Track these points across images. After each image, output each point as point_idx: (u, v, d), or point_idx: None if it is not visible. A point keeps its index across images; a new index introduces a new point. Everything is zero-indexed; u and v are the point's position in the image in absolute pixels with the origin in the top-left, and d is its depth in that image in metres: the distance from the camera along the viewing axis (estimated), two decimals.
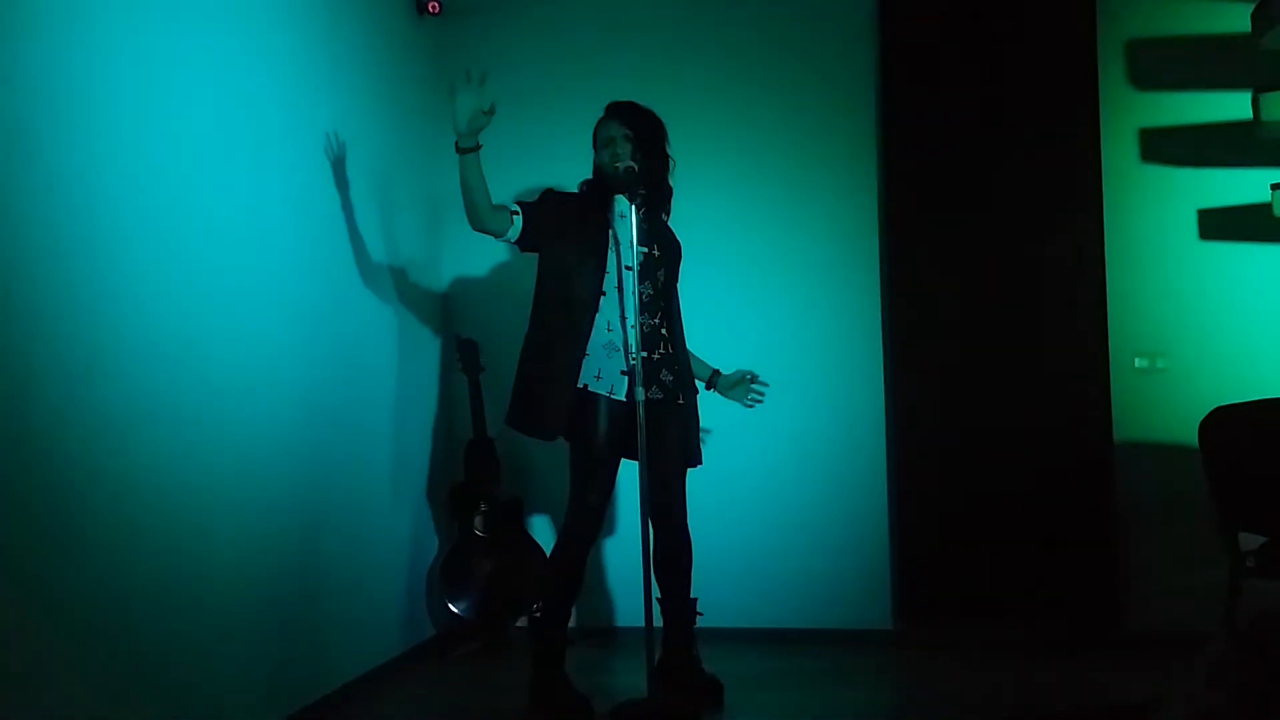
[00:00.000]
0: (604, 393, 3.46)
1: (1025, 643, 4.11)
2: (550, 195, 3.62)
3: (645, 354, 3.41)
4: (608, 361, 3.48)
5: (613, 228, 3.55)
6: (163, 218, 2.82)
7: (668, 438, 3.53)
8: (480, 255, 4.63)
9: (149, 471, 2.74)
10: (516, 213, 3.51)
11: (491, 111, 3.37)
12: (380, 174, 4.08)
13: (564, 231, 3.52)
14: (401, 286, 4.23)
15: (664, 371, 3.55)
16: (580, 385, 3.47)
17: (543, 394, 3.48)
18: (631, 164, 3.45)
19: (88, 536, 2.53)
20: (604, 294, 3.51)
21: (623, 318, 3.49)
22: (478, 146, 3.39)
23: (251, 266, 3.22)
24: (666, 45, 4.52)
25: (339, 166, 3.78)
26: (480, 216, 3.44)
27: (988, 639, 4.15)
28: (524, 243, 3.55)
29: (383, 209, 4.08)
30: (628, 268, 3.47)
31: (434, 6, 4.42)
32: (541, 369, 3.49)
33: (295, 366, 3.45)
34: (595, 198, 3.58)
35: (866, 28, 4.40)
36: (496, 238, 3.54)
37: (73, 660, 2.46)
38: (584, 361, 3.47)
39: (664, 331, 3.59)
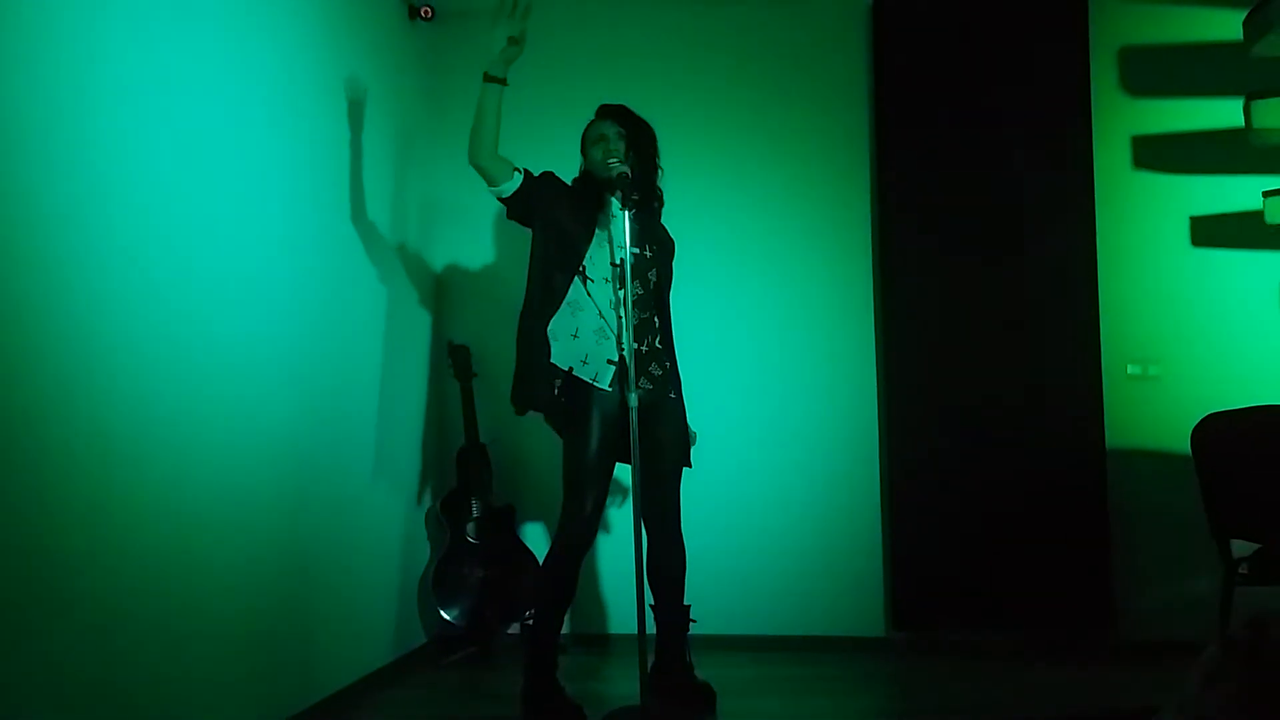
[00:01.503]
0: (588, 379, 3.45)
1: (1019, 650, 4.11)
2: (552, 176, 3.60)
3: (634, 345, 3.39)
4: (596, 348, 3.47)
5: (604, 228, 3.54)
6: (152, 225, 2.81)
7: (662, 438, 3.51)
8: (473, 260, 4.63)
9: (137, 476, 2.72)
10: (520, 171, 3.49)
11: (521, 39, 3.38)
12: (372, 180, 4.07)
13: (556, 215, 3.50)
14: (394, 292, 4.22)
15: (653, 365, 3.55)
16: (566, 368, 3.46)
17: (521, 372, 3.49)
18: (625, 169, 3.44)
19: (78, 543, 2.51)
20: (592, 280, 3.50)
21: (614, 307, 3.48)
22: (504, 81, 3.38)
23: (241, 271, 3.21)
24: (659, 49, 4.52)
25: (330, 173, 3.77)
26: (483, 152, 3.41)
27: (982, 646, 4.15)
28: (515, 205, 3.51)
29: (374, 215, 4.07)
30: (615, 265, 3.47)
31: (426, 12, 4.42)
32: (523, 350, 3.50)
33: (286, 372, 3.44)
34: (587, 194, 3.57)
35: (860, 34, 4.41)
36: (490, 184, 3.47)
37: (62, 667, 2.45)
38: (573, 344, 3.47)
39: (656, 325, 3.59)
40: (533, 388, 3.46)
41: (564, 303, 3.48)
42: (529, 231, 3.58)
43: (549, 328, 3.48)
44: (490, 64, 3.37)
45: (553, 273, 3.49)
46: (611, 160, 3.44)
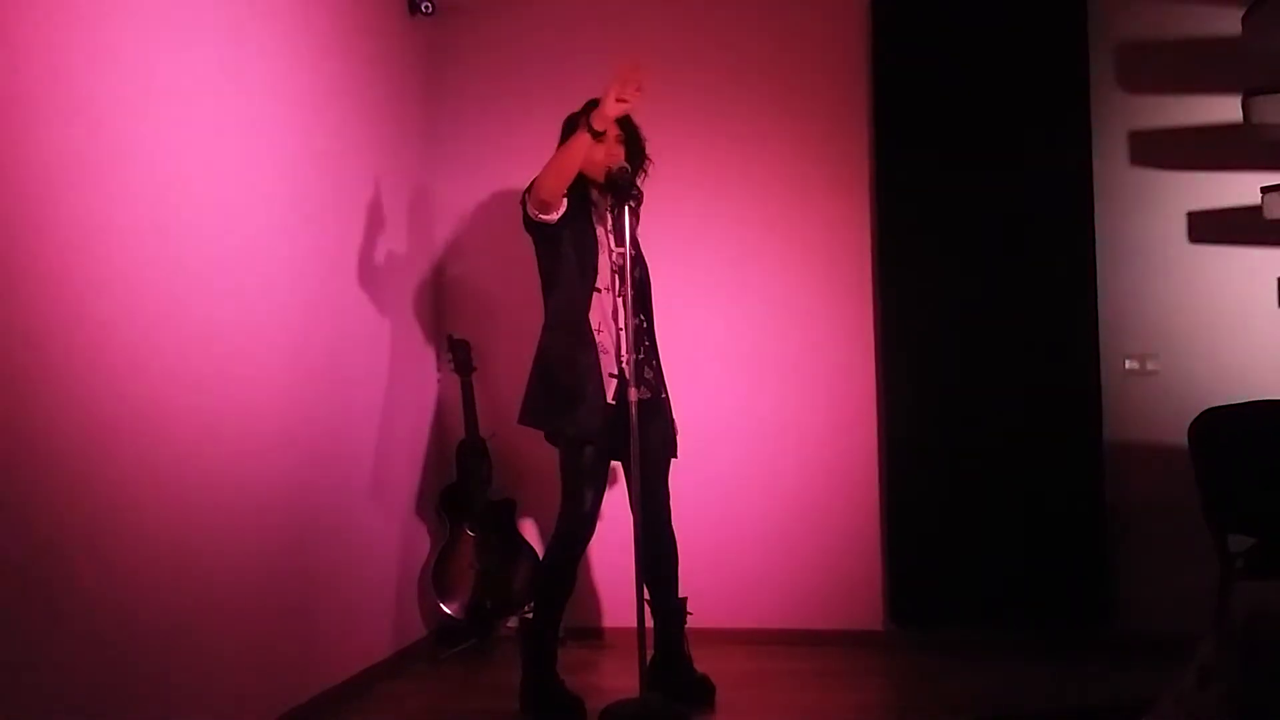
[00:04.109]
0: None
1: (1016, 644, 4.11)
2: None
3: (631, 355, 3.41)
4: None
5: (603, 227, 3.55)
6: (153, 219, 2.82)
7: (653, 437, 3.52)
8: (473, 254, 4.63)
9: (138, 472, 2.73)
10: (564, 196, 3.46)
11: (640, 89, 3.29)
12: (373, 173, 4.07)
13: (576, 226, 3.50)
14: (394, 286, 4.22)
15: (646, 369, 3.56)
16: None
17: (579, 397, 3.43)
18: (625, 164, 3.45)
19: (80, 538, 2.52)
20: (598, 290, 3.51)
21: (614, 317, 3.49)
22: (603, 136, 3.35)
23: (243, 266, 3.22)
24: (658, 44, 4.51)
25: (331, 166, 3.77)
26: (557, 193, 3.36)
27: (979, 640, 4.15)
28: (553, 227, 3.45)
29: (375, 208, 4.07)
30: (615, 269, 3.48)
31: (427, 6, 4.41)
32: (564, 374, 3.45)
33: (287, 366, 3.44)
34: (583, 195, 3.56)
35: (859, 29, 4.40)
36: (542, 211, 3.41)
37: (64, 662, 2.45)
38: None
39: (645, 326, 3.60)
40: (588, 418, 3.42)
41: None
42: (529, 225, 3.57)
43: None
44: (599, 117, 3.28)
45: (580, 299, 3.47)
46: (612, 165, 3.42)
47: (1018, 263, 4.21)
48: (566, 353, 3.47)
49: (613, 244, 3.52)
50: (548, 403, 3.49)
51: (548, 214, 3.42)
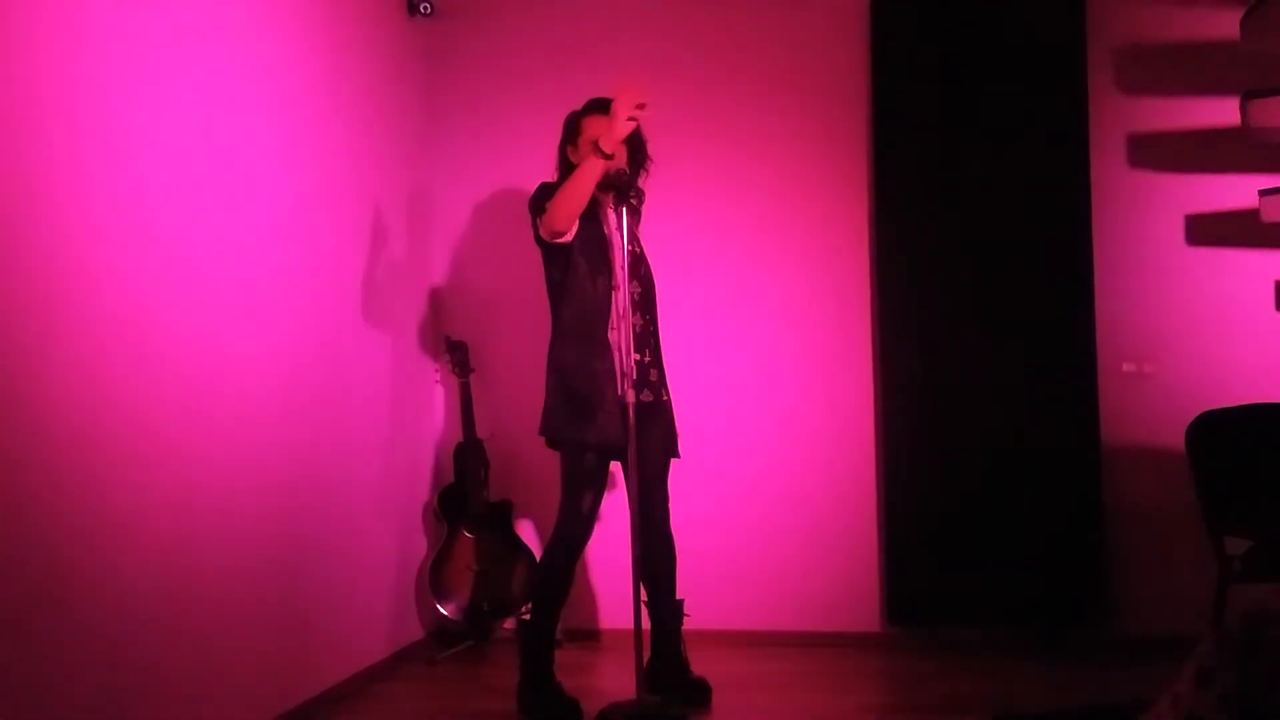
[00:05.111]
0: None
1: (1014, 646, 4.12)
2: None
3: (637, 356, 3.42)
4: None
5: (610, 225, 3.54)
6: (150, 220, 2.81)
7: (653, 438, 3.52)
8: (471, 256, 4.63)
9: (138, 474, 2.72)
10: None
11: (645, 105, 3.32)
12: (370, 174, 4.07)
13: (580, 235, 3.49)
14: (392, 288, 4.22)
15: (651, 372, 3.56)
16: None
17: (598, 405, 3.41)
18: (624, 167, 3.45)
19: (79, 539, 2.52)
20: (616, 288, 3.50)
21: (620, 318, 3.48)
22: (612, 157, 3.36)
23: (241, 268, 3.21)
24: (657, 44, 4.52)
25: (328, 166, 3.77)
26: (572, 221, 3.37)
27: (978, 640, 4.16)
28: (565, 244, 3.44)
29: (373, 209, 4.07)
30: (623, 268, 3.48)
31: (425, 6, 4.41)
32: (588, 382, 3.43)
33: (285, 367, 3.44)
34: (589, 201, 3.55)
35: (858, 31, 4.41)
36: (557, 236, 3.41)
37: (63, 661, 2.45)
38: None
39: (651, 329, 3.60)
40: (610, 426, 3.38)
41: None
42: (526, 225, 3.55)
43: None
44: (609, 140, 3.29)
45: (598, 303, 3.45)
46: (612, 169, 3.40)
47: (1015, 265, 4.21)
48: (582, 361, 3.45)
49: (616, 242, 3.51)
50: (568, 414, 3.46)
51: (562, 236, 3.42)
